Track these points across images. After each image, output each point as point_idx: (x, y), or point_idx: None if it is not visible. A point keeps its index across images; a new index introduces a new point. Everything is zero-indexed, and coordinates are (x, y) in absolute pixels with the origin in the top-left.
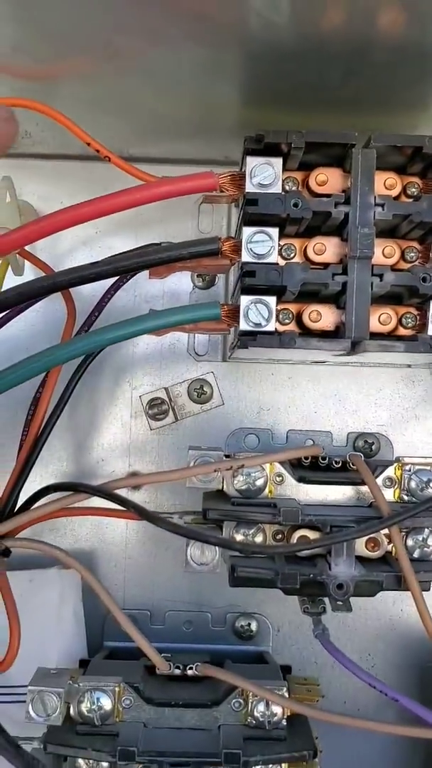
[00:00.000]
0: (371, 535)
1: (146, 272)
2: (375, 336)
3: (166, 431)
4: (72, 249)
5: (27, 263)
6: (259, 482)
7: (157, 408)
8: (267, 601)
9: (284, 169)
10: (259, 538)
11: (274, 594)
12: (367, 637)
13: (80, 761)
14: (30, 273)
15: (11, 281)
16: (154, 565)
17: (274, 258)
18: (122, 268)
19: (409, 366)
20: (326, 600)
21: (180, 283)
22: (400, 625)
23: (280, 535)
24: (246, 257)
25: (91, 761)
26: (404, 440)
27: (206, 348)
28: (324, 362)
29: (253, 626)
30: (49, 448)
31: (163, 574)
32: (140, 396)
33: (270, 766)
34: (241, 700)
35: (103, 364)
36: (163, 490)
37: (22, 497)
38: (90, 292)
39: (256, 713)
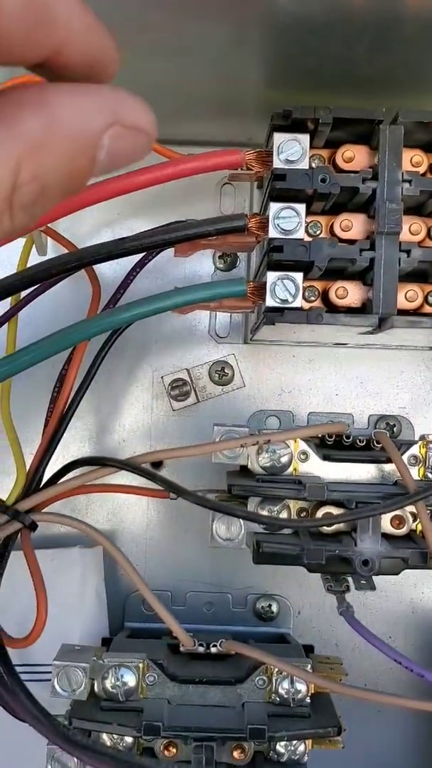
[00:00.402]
0: (396, 512)
1: (169, 255)
2: (402, 313)
3: (187, 413)
4: (93, 231)
5: (50, 244)
6: (284, 459)
7: (178, 389)
8: (287, 583)
9: (311, 146)
10: (283, 515)
11: (295, 576)
12: (388, 619)
13: (104, 736)
14: (53, 253)
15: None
16: (175, 546)
17: (301, 234)
18: (149, 244)
19: (431, 348)
20: (349, 579)
21: (202, 265)
22: (420, 608)
23: (304, 513)
24: (273, 233)
25: (115, 736)
26: (426, 422)
27: (227, 330)
28: (345, 344)
29: (274, 608)
30: (70, 429)
31: (184, 555)
32: (162, 377)
33: (294, 742)
34: (265, 678)
35: (125, 347)
36: (186, 472)
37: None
38: (112, 274)
39: (280, 690)
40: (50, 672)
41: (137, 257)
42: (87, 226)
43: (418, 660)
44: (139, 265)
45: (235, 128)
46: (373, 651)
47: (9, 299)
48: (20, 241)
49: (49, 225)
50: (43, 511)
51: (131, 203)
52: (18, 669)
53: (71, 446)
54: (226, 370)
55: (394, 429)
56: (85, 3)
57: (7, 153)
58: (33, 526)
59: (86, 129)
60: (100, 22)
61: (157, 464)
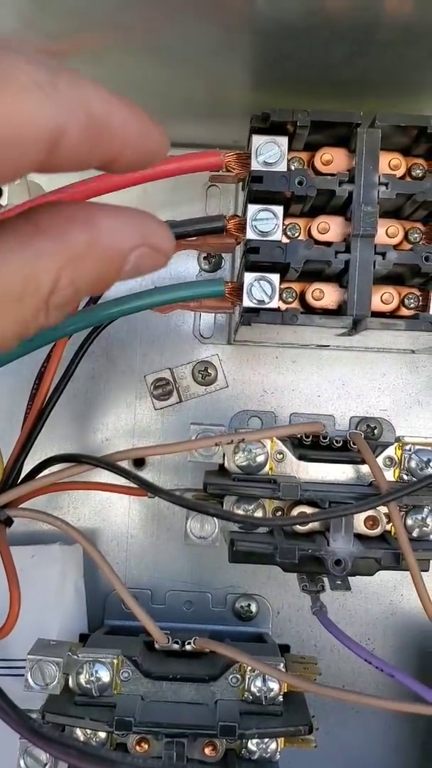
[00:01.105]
0: (370, 513)
1: None
2: (377, 315)
3: (170, 412)
4: None
5: None
6: (260, 459)
7: (161, 389)
8: (267, 584)
9: (290, 149)
10: (258, 514)
11: (275, 577)
12: (367, 621)
13: (78, 731)
14: None
15: None
16: (156, 545)
17: (278, 236)
18: None
19: (413, 352)
20: (325, 579)
21: (187, 266)
22: (400, 610)
23: (279, 512)
24: (250, 234)
25: (88, 731)
26: (407, 425)
27: (212, 331)
28: (327, 346)
29: (253, 608)
30: (53, 428)
31: (164, 553)
32: (145, 376)
33: (266, 740)
34: (239, 676)
35: (109, 346)
36: (167, 471)
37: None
38: None
39: (252, 688)
40: None
41: None
42: None
43: (397, 662)
44: None
45: (220, 131)
46: (351, 653)
47: None
48: None
49: None
50: (20, 507)
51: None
52: None
53: (54, 445)
54: (209, 370)
55: (375, 431)
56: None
57: (52, 262)
58: (8, 522)
59: (121, 248)
60: (150, 120)
61: (140, 463)
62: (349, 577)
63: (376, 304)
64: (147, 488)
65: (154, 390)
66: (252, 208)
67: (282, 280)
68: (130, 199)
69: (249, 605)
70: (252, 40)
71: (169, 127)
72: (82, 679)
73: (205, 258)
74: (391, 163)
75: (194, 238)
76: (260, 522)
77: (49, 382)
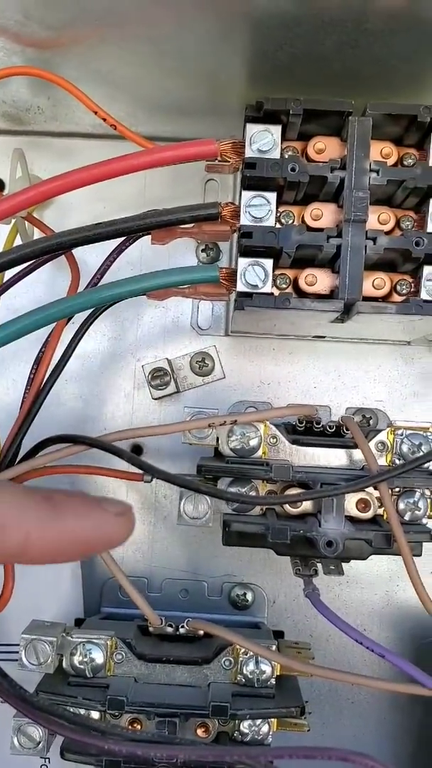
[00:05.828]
0: (361, 496)
1: (154, 249)
2: (368, 300)
3: (167, 402)
4: (79, 225)
5: (36, 234)
6: (253, 442)
7: (159, 379)
8: (263, 573)
9: (283, 139)
10: None
11: (270, 566)
12: (362, 612)
13: (71, 710)
14: None
15: None
16: (153, 534)
17: (271, 221)
18: (124, 229)
19: (408, 343)
20: (319, 564)
21: (185, 259)
22: (395, 601)
23: (272, 495)
24: (244, 220)
25: (81, 711)
26: (402, 416)
27: (209, 322)
28: (324, 338)
29: (249, 596)
30: (52, 417)
31: (161, 542)
32: (143, 366)
33: (258, 722)
34: (231, 659)
35: (107, 337)
36: (163, 459)
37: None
38: (94, 264)
39: (245, 671)
40: None
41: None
42: (73, 220)
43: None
44: (117, 251)
45: (218, 127)
46: (347, 643)
47: None
48: (5, 229)
49: (34, 215)
50: None
51: (116, 199)
52: None
53: (53, 434)
54: (206, 361)
55: (371, 422)
56: None
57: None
58: None
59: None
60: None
61: (137, 451)
62: (343, 564)
63: (369, 289)
64: (140, 467)
65: (152, 380)
66: (246, 195)
67: (276, 266)
68: (130, 194)
69: (245, 594)
70: (246, 29)
71: (167, 123)
72: (76, 660)
73: (203, 250)
74: (382, 152)
75: (190, 225)
76: (251, 500)
77: (46, 366)
